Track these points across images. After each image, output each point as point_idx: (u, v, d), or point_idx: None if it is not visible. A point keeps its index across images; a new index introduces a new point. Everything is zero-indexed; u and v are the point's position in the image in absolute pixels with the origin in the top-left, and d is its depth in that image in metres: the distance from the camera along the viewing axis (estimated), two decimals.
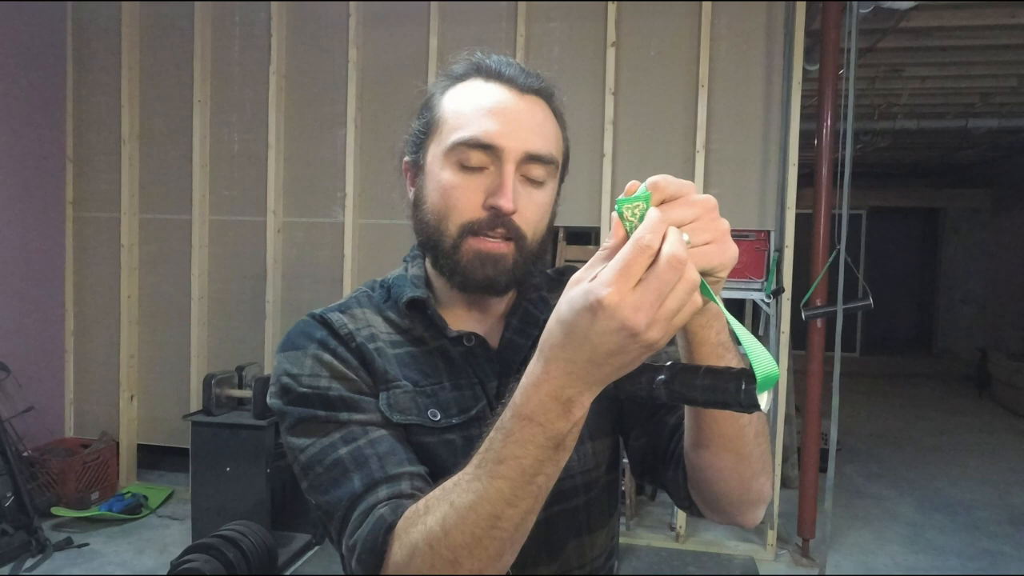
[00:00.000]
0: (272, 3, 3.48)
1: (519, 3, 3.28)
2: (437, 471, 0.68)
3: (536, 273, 0.84)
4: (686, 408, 0.67)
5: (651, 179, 0.52)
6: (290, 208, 3.58)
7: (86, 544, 2.99)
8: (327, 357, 0.73)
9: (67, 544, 2.95)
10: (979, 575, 3.03)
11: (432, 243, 0.75)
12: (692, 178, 3.15)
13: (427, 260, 0.80)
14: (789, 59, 3.06)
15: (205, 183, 3.61)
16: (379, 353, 0.76)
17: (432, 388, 0.75)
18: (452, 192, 0.72)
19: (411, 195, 0.79)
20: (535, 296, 0.82)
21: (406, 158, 0.80)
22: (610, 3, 3.20)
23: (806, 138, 3.17)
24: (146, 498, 3.39)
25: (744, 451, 0.66)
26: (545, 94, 0.76)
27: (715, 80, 3.15)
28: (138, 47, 3.66)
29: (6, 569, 2.73)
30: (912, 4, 3.04)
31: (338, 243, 3.49)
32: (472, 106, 0.73)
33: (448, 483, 0.59)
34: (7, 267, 3.40)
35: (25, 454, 3.24)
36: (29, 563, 2.80)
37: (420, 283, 0.80)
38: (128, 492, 3.41)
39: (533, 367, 0.54)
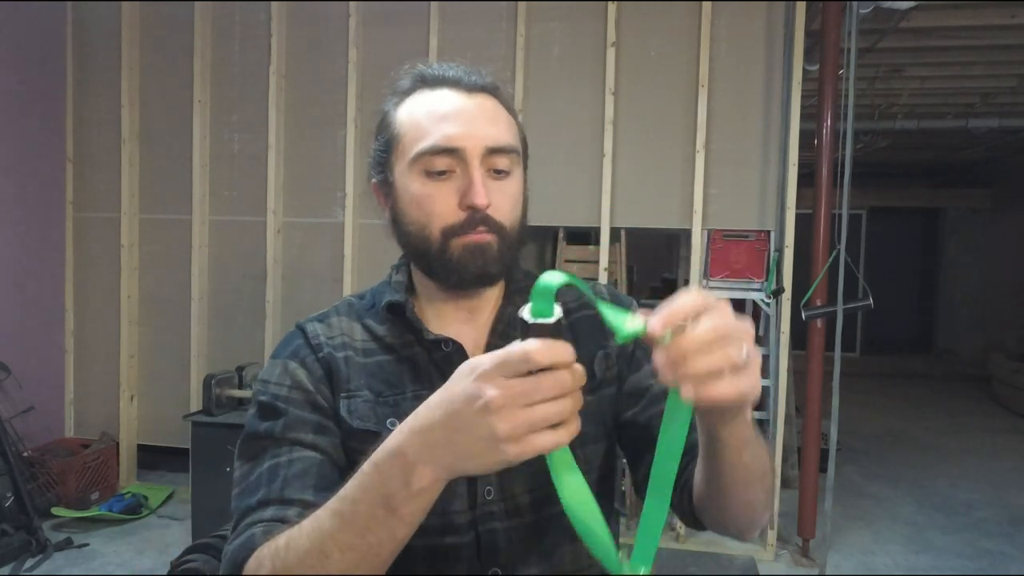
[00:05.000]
0: (272, 3, 3.48)
1: (519, 3, 3.28)
2: None
3: (521, 275, 0.85)
4: (700, 451, 0.67)
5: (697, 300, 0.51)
6: (290, 208, 3.58)
7: (86, 544, 2.99)
8: (293, 366, 0.78)
9: (67, 544, 2.95)
10: (979, 575, 3.03)
11: (420, 252, 0.77)
12: (692, 178, 3.16)
13: (414, 268, 0.83)
14: (789, 59, 3.06)
15: (205, 183, 3.61)
16: (347, 362, 0.78)
17: (395, 398, 0.76)
18: (426, 201, 0.75)
19: (386, 213, 0.82)
20: (520, 300, 0.82)
21: (373, 180, 0.82)
22: (610, 3, 3.20)
23: (806, 138, 3.17)
24: (146, 498, 3.39)
25: (751, 494, 0.68)
26: (491, 89, 0.79)
27: (715, 80, 3.15)
28: (138, 47, 3.66)
29: (6, 569, 2.73)
30: (912, 4, 3.04)
31: (338, 243, 3.49)
32: (426, 115, 0.76)
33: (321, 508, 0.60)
34: (7, 267, 3.40)
35: (25, 454, 3.24)
36: (29, 563, 2.80)
37: (401, 288, 0.82)
38: (128, 492, 3.41)
39: (408, 417, 0.56)
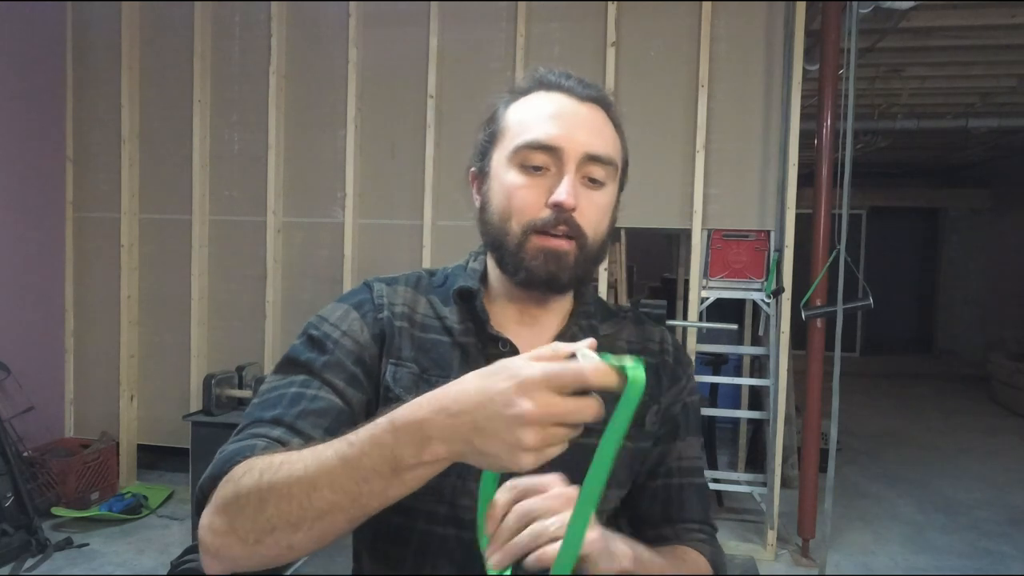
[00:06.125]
0: (272, 3, 3.48)
1: (519, 3, 3.28)
2: None
3: (591, 298, 0.87)
4: None
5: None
6: (290, 208, 3.58)
7: (86, 544, 2.99)
8: (354, 315, 0.80)
9: (67, 544, 2.95)
10: (979, 575, 3.03)
11: (498, 243, 0.78)
12: (692, 178, 3.16)
13: (491, 259, 0.83)
14: (789, 59, 3.06)
15: (205, 183, 3.61)
16: (401, 332, 0.80)
17: (437, 379, 0.76)
18: (516, 192, 0.76)
19: (477, 201, 0.82)
20: (585, 323, 0.84)
21: (472, 168, 0.84)
22: (610, 3, 3.20)
23: (806, 138, 3.17)
24: (146, 498, 3.39)
25: None
26: (603, 103, 0.81)
27: (715, 80, 3.15)
28: (138, 47, 3.66)
29: (6, 569, 2.73)
30: (912, 4, 3.04)
31: (338, 243, 3.49)
32: (534, 113, 0.77)
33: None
34: (7, 267, 3.40)
35: (25, 454, 3.24)
36: (29, 563, 2.80)
37: (476, 276, 0.83)
38: (128, 492, 3.41)
39: (436, 390, 0.57)
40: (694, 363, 3.28)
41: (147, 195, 3.69)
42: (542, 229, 0.74)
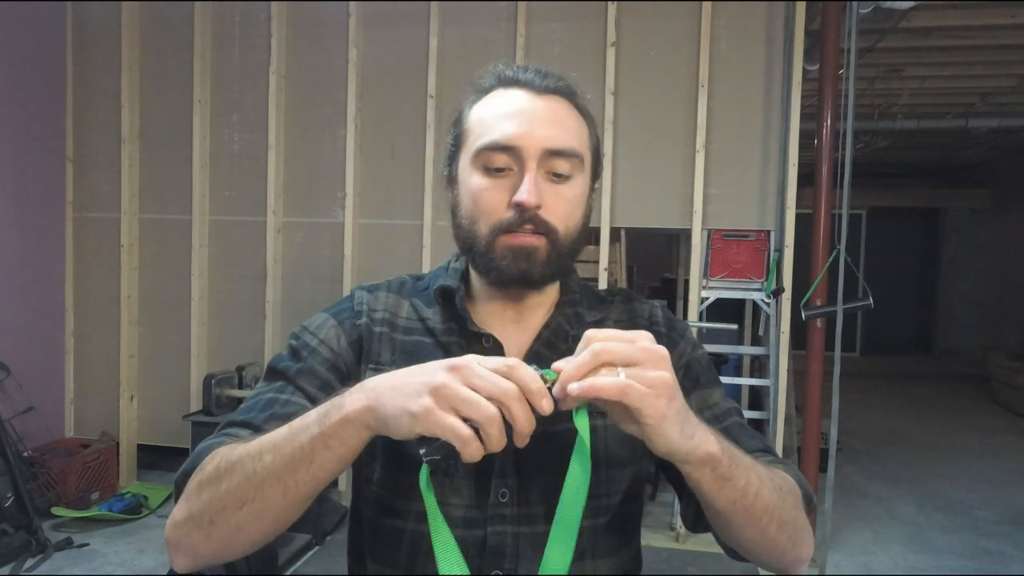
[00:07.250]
0: (272, 3, 3.48)
1: (519, 3, 3.28)
2: (401, 457, 0.73)
3: (577, 287, 0.86)
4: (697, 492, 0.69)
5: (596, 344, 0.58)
6: (290, 208, 3.58)
7: (86, 544, 2.98)
8: (331, 323, 0.82)
9: (67, 544, 2.95)
10: (979, 575, 3.03)
11: (468, 245, 0.78)
12: (692, 178, 3.16)
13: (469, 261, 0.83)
14: (789, 59, 3.06)
15: (205, 183, 3.61)
16: (380, 337, 0.81)
17: None
18: (480, 195, 0.76)
19: (451, 205, 0.82)
20: (570, 312, 0.83)
21: (444, 173, 0.84)
22: (610, 3, 3.20)
23: (806, 138, 3.17)
24: (146, 498, 3.39)
25: (754, 531, 0.69)
26: (565, 92, 0.79)
27: (715, 80, 3.15)
28: (138, 47, 3.66)
29: (6, 569, 2.73)
30: (912, 4, 3.04)
31: (338, 243, 3.49)
32: (493, 113, 0.77)
33: None
34: (7, 267, 3.40)
35: (25, 454, 3.24)
36: (29, 563, 2.80)
37: (456, 276, 0.83)
38: (128, 492, 3.41)
39: None
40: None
41: (147, 195, 3.69)
42: (508, 229, 0.74)
